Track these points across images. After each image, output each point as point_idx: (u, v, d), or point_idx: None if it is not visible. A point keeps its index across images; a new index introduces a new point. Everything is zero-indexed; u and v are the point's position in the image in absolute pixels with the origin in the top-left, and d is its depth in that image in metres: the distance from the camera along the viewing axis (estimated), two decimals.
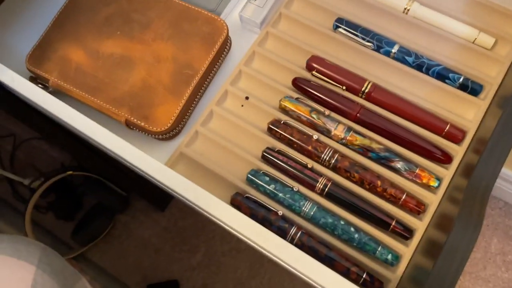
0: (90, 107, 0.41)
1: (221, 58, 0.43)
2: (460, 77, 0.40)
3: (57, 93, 0.43)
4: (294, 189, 0.39)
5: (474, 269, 0.84)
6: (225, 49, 0.43)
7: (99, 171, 0.81)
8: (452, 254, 0.28)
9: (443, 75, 0.41)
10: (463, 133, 0.39)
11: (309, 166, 0.40)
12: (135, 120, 0.40)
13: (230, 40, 0.45)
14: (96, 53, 0.42)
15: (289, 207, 0.39)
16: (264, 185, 0.39)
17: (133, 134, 0.42)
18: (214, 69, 0.43)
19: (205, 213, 0.35)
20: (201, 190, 0.33)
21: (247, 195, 0.39)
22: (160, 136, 0.40)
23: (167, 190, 0.36)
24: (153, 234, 0.85)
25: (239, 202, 0.39)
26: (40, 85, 0.43)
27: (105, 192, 0.84)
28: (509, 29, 0.42)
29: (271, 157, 0.40)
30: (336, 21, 0.44)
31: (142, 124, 0.39)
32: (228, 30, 0.42)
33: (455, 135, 0.39)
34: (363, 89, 0.41)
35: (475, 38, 0.42)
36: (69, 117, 0.36)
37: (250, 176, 0.40)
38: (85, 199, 0.85)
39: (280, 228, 0.38)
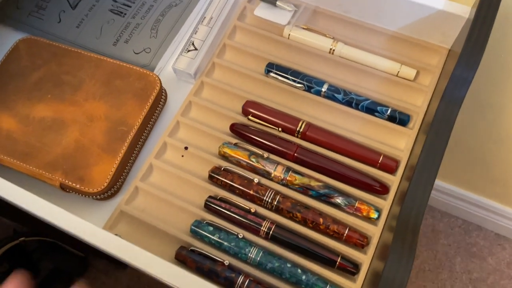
0: (23, 174, 0.40)
1: (156, 111, 0.44)
2: (388, 109, 0.42)
3: None
4: (239, 236, 0.38)
5: None
6: (160, 102, 0.44)
7: (53, 234, 0.78)
8: (389, 285, 0.28)
9: (371, 108, 0.42)
10: (397, 162, 0.40)
11: (252, 210, 0.39)
12: (70, 183, 0.39)
13: (165, 93, 0.45)
14: (27, 119, 0.41)
15: (235, 255, 0.38)
16: (209, 235, 0.39)
17: (70, 197, 0.41)
18: (150, 123, 0.43)
19: (147, 273, 0.34)
20: (139, 250, 0.33)
21: (192, 247, 0.39)
22: (98, 197, 0.39)
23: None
24: None
25: (184, 256, 0.38)
26: None
27: (61, 255, 0.81)
28: (429, 60, 0.45)
29: (213, 206, 0.40)
30: (267, 66, 0.45)
31: (78, 186, 0.39)
32: (161, 83, 0.43)
33: (389, 166, 0.40)
34: (298, 128, 0.42)
35: (398, 71, 0.44)
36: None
37: (194, 228, 0.39)
38: (42, 264, 0.81)
39: (227, 278, 0.37)
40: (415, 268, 0.88)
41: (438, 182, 0.86)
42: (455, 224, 0.91)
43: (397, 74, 0.44)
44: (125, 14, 0.49)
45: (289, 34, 0.46)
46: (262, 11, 0.47)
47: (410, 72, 0.44)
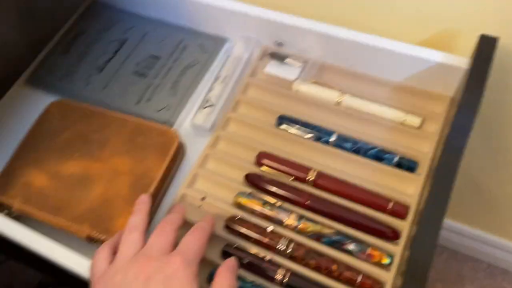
0: (53, 226, 0.43)
1: (176, 164, 0.46)
2: (395, 157, 0.44)
3: (21, 216, 0.45)
4: (256, 283, 0.40)
5: None
6: (179, 156, 0.47)
7: (79, 285, 0.79)
8: None
9: (379, 156, 0.44)
10: (407, 208, 0.42)
11: (267, 258, 0.41)
12: (96, 234, 0.41)
13: (184, 147, 0.48)
14: (57, 175, 0.45)
15: None
16: None
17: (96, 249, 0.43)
18: (170, 175, 0.46)
19: None
20: None
21: None
22: None
23: None
24: None
25: None
26: (5, 210, 0.45)
27: None
28: (433, 108, 0.47)
29: (229, 254, 0.41)
30: (278, 118, 0.48)
31: (104, 237, 0.41)
32: (179, 138, 0.46)
33: (400, 211, 0.41)
34: (308, 177, 0.44)
35: (404, 120, 0.46)
36: (29, 241, 0.38)
37: (211, 277, 0.40)
38: None
39: None
40: None
41: (460, 225, 0.85)
42: (480, 268, 0.89)
43: (403, 123, 0.46)
44: (148, 75, 0.54)
45: (297, 89, 0.49)
46: (272, 68, 0.51)
47: (415, 120, 0.46)
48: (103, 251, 0.36)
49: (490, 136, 0.60)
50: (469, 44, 0.46)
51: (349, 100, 0.48)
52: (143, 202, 0.39)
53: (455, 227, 0.86)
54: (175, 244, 0.35)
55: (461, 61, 0.43)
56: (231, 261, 0.36)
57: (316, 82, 0.49)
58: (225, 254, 0.42)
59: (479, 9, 0.44)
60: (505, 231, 0.82)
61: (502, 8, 0.43)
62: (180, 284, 0.31)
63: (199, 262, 0.35)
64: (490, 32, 0.42)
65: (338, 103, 0.48)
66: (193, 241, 0.35)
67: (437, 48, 0.44)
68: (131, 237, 0.35)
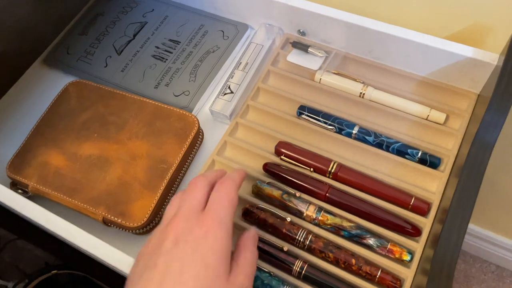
0: (69, 208, 0.42)
1: (194, 150, 0.46)
2: (419, 152, 0.43)
3: (36, 196, 0.44)
4: (272, 274, 0.39)
5: None
6: (198, 142, 0.46)
7: (85, 268, 0.79)
8: None
9: (402, 151, 0.43)
10: (428, 205, 0.41)
11: (284, 249, 0.40)
12: (112, 217, 0.41)
13: (202, 133, 0.47)
14: (74, 156, 0.44)
15: None
16: None
17: (111, 231, 0.43)
18: (188, 161, 0.45)
19: None
20: None
21: None
22: (138, 231, 0.41)
23: None
24: None
25: None
26: (20, 190, 0.45)
27: None
28: (458, 105, 0.46)
29: None
30: (299, 108, 0.47)
31: (119, 221, 0.40)
32: (199, 124, 0.45)
33: (421, 208, 0.41)
34: (329, 169, 0.43)
35: (428, 115, 0.45)
36: (46, 221, 0.37)
37: None
38: None
39: None
40: None
41: (470, 226, 0.84)
42: (488, 269, 0.89)
43: (427, 118, 0.45)
44: (167, 59, 0.53)
45: (320, 79, 0.49)
46: (295, 57, 0.50)
47: (440, 116, 0.45)
48: (174, 199, 0.34)
49: (507, 135, 0.59)
50: (499, 41, 0.45)
51: (372, 93, 0.47)
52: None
53: None
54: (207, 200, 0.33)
55: (492, 57, 0.42)
56: (252, 232, 0.35)
57: (339, 73, 0.48)
58: None
59: (511, 5, 0.43)
60: None
61: None
62: (210, 246, 0.29)
63: (233, 216, 0.32)
64: None
65: (361, 95, 0.47)
66: (222, 197, 0.33)
67: (466, 43, 0.43)
68: (172, 203, 0.34)
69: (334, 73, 0.49)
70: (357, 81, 0.47)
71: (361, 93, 0.47)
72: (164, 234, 0.30)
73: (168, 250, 0.29)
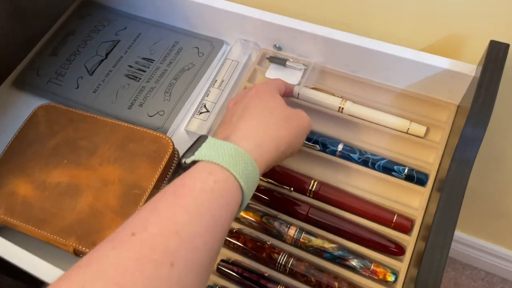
0: (38, 239, 0.40)
1: (169, 173, 0.44)
2: (405, 169, 0.42)
3: (4, 227, 0.42)
4: None
5: None
6: (173, 164, 0.44)
7: None
8: None
9: (388, 168, 0.42)
10: (411, 222, 0.40)
11: (265, 274, 0.39)
12: (83, 248, 0.39)
13: (178, 154, 0.46)
14: (43, 185, 0.42)
15: None
16: None
17: None
18: (163, 184, 0.44)
19: None
20: None
21: None
22: None
23: None
24: None
25: None
26: None
27: None
28: (439, 116, 0.45)
29: (225, 270, 0.39)
30: None
31: None
32: (173, 145, 0.44)
33: (404, 225, 0.39)
34: (310, 188, 0.42)
35: (408, 128, 0.44)
36: (11, 255, 0.35)
37: None
38: None
39: None
40: None
41: (458, 234, 0.84)
42: (478, 276, 0.88)
43: (407, 131, 0.44)
44: (140, 78, 0.51)
45: (298, 93, 0.47)
46: (273, 72, 0.49)
47: (420, 129, 0.44)
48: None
49: (491, 145, 0.58)
50: (476, 51, 0.44)
51: (351, 107, 0.46)
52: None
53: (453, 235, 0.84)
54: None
55: (469, 68, 0.42)
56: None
57: (317, 88, 0.47)
58: (220, 271, 0.39)
59: (487, 15, 0.42)
60: (504, 239, 0.81)
61: (511, 13, 0.41)
62: (265, 92, 0.37)
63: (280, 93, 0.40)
64: (499, 38, 0.40)
65: (340, 110, 0.46)
66: (270, 80, 0.41)
67: (443, 54, 0.43)
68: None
69: (312, 88, 0.48)
70: (335, 96, 0.46)
71: (340, 107, 0.46)
72: (248, 91, 0.38)
73: (251, 98, 0.37)
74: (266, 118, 0.35)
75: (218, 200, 0.28)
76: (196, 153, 0.30)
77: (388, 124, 0.45)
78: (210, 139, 0.31)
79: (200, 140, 0.32)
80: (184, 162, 0.30)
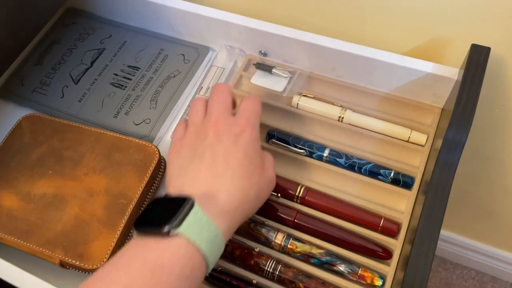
0: (24, 251, 0.40)
1: (156, 182, 0.44)
2: (391, 172, 0.42)
3: None
4: None
5: None
6: (160, 173, 0.44)
7: None
8: None
9: (374, 172, 0.42)
10: (398, 225, 0.40)
11: (254, 282, 0.39)
12: (69, 260, 0.38)
13: (165, 163, 0.46)
14: (28, 196, 0.42)
15: None
16: None
17: (70, 273, 0.41)
18: (150, 193, 0.43)
19: None
20: None
21: None
22: None
23: None
24: None
25: None
26: None
27: None
28: (423, 120, 0.45)
29: (213, 278, 0.39)
30: (267, 134, 0.46)
31: (77, 263, 0.38)
32: (160, 154, 0.43)
33: (391, 229, 0.40)
34: (296, 193, 0.42)
35: (409, 137, 0.43)
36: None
37: None
38: None
39: None
40: None
41: (448, 234, 0.84)
42: (469, 276, 0.88)
43: (408, 140, 0.44)
44: (126, 87, 0.51)
45: (297, 104, 0.47)
46: (259, 79, 0.49)
47: (421, 138, 0.43)
48: (180, 124, 0.38)
49: (477, 146, 0.59)
50: (459, 54, 0.44)
51: (351, 116, 0.45)
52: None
53: (443, 235, 0.85)
54: (232, 104, 0.37)
55: (451, 71, 0.42)
56: (253, 96, 0.38)
57: (317, 97, 0.47)
58: (208, 279, 0.39)
59: (468, 18, 0.43)
60: (494, 239, 0.81)
61: (493, 17, 0.42)
62: (248, 141, 0.34)
63: (259, 125, 0.36)
64: (480, 42, 0.41)
65: (340, 119, 0.45)
66: (251, 105, 0.36)
67: (426, 58, 0.43)
68: (195, 107, 0.37)
69: (300, 94, 0.48)
70: (334, 105, 0.46)
71: (340, 117, 0.46)
72: (205, 131, 0.34)
73: (211, 144, 0.33)
74: (239, 180, 0.32)
75: (190, 285, 0.29)
76: (184, 224, 0.28)
77: (388, 133, 0.44)
78: (197, 210, 0.29)
79: (185, 205, 0.29)
80: (169, 231, 0.28)
